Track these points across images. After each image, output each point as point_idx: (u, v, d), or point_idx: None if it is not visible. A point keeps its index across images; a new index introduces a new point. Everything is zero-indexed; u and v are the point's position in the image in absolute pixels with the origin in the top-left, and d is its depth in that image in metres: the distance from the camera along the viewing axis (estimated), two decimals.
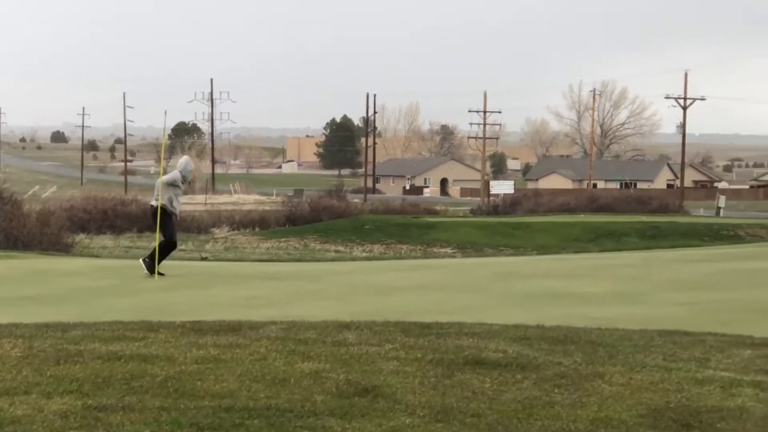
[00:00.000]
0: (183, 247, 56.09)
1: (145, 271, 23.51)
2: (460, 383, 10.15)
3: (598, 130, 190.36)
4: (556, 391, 9.94)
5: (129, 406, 9.14)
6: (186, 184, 25.38)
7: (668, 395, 9.83)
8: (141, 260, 24.59)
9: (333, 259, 44.20)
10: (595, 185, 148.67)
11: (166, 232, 24.42)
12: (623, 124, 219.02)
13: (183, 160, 25.06)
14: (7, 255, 31.30)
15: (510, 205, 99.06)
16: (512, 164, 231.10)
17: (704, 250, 35.66)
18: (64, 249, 42.34)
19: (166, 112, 30.54)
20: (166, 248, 24.55)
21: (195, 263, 33.11)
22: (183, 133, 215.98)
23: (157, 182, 24.39)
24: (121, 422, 8.67)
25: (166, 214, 24.13)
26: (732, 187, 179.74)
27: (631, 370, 10.78)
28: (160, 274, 23.60)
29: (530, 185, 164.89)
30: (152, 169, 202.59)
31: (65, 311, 16.71)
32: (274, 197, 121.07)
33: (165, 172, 24.77)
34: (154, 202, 24.34)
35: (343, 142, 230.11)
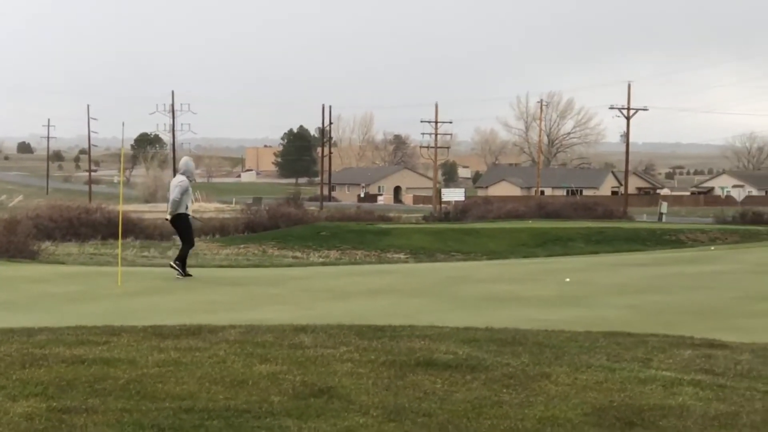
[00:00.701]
0: (145, 253, 56.00)
1: (177, 275, 24.27)
2: (412, 384, 10.16)
3: (545, 140, 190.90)
4: (505, 391, 9.96)
5: (92, 408, 9.12)
6: (193, 181, 25.46)
7: (612, 394, 9.87)
8: (170, 264, 25.44)
9: (290, 265, 44.12)
10: (542, 192, 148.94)
11: (186, 234, 25.21)
12: (569, 133, 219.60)
13: (184, 162, 25.70)
14: None
15: (461, 212, 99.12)
16: (463, 172, 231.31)
17: (647, 255, 35.83)
18: (30, 256, 42.14)
19: (123, 123, 31.12)
20: (188, 248, 25.20)
21: (158, 269, 33.00)
22: (146, 143, 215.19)
23: (175, 188, 24.70)
24: (85, 424, 8.65)
25: (184, 217, 24.82)
26: (674, 193, 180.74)
27: (577, 370, 10.82)
28: (188, 275, 24.55)
29: (480, 193, 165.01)
30: (115, 179, 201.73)
31: (31, 317, 16.65)
32: (233, 205, 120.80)
33: (126, 182, 25.03)
34: (168, 216, 24.96)
35: (300, 151, 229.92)
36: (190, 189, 24.99)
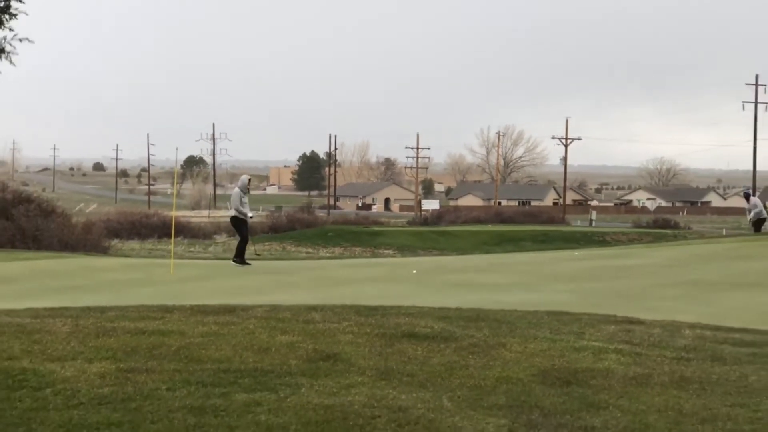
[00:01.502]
0: (191, 249, 55.88)
1: (238, 266, 24.96)
2: (398, 351, 10.15)
3: (501, 162, 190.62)
4: (470, 356, 9.95)
5: (151, 369, 9.10)
6: (248, 194, 25.84)
7: (553, 360, 9.87)
8: (231, 261, 25.97)
9: (304, 258, 44.11)
10: (499, 203, 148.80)
11: (240, 232, 25.67)
12: (520, 157, 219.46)
13: (240, 179, 26.11)
14: (60, 255, 31.05)
15: (436, 217, 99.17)
16: (438, 187, 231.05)
17: (581, 251, 35.79)
18: (102, 251, 42.13)
19: (177, 149, 31.39)
20: (243, 243, 25.63)
21: (201, 261, 32.92)
22: (192, 164, 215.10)
23: (233, 197, 25.62)
24: (145, 381, 8.64)
25: (240, 219, 25.43)
26: (601, 204, 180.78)
27: (526, 341, 10.81)
28: (247, 263, 25.24)
29: (451, 203, 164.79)
30: (169, 191, 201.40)
31: (103, 298, 16.64)
32: (260, 212, 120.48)
33: (177, 194, 25.14)
34: (232, 212, 25.76)
35: (312, 170, 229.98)
36: (245, 198, 25.45)
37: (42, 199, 46.69)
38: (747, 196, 38.64)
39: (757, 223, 37.03)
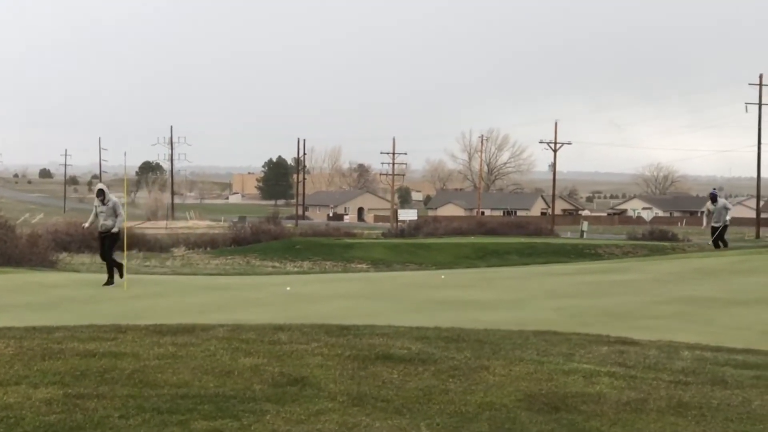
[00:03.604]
0: (147, 263, 55.70)
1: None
2: (372, 374, 10.16)
3: (485, 169, 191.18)
4: (451, 380, 9.97)
5: (102, 395, 9.08)
6: (104, 204, 24.30)
7: (540, 383, 9.89)
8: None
9: (270, 273, 44.05)
10: (483, 213, 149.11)
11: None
12: (505, 163, 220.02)
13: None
14: (2, 270, 30.94)
15: (414, 229, 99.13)
16: (416, 196, 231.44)
17: (571, 265, 35.90)
18: (49, 265, 41.92)
19: (126, 153, 31.19)
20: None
21: (158, 276, 32.82)
22: (148, 170, 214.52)
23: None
24: (96, 408, 8.62)
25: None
26: (593, 214, 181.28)
27: (511, 363, 10.84)
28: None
29: (430, 213, 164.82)
30: (121, 200, 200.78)
31: (50, 316, 16.58)
32: (222, 223, 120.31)
33: (131, 203, 25.18)
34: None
35: (278, 177, 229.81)
36: (99, 208, 24.31)
37: None
38: (713, 197, 35.76)
39: (720, 232, 35.49)
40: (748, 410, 9.10)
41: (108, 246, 24.54)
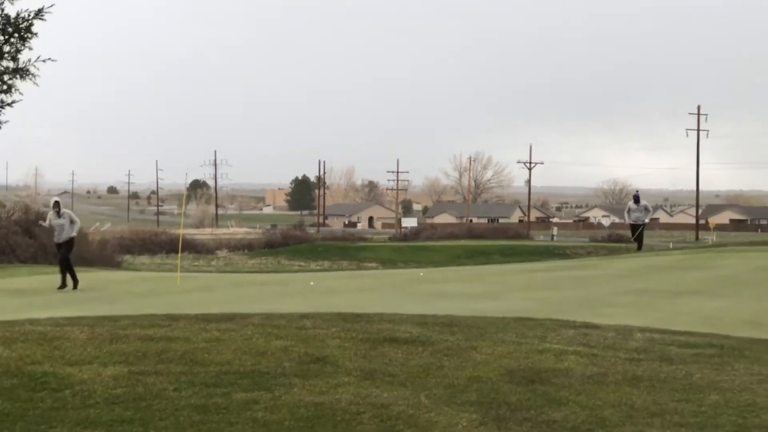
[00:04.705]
0: (196, 263, 55.77)
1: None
2: (380, 354, 10.15)
3: (472, 184, 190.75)
4: (445, 358, 9.96)
5: (159, 371, 9.08)
6: (61, 216, 21.86)
7: (519, 361, 9.88)
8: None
9: (296, 271, 44.04)
10: (471, 221, 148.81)
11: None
12: (489, 179, 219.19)
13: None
14: (77, 270, 30.93)
15: (414, 234, 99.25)
16: (416, 206, 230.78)
17: (544, 263, 35.81)
18: (115, 265, 42.06)
19: (186, 174, 30.76)
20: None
21: (205, 274, 32.82)
22: (196, 187, 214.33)
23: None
24: (154, 382, 8.62)
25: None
26: (562, 221, 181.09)
27: (495, 344, 10.82)
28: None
29: (428, 221, 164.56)
30: (176, 211, 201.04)
31: (116, 307, 16.59)
32: (257, 230, 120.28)
33: (184, 215, 24.66)
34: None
35: (303, 192, 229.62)
36: (55, 220, 21.94)
37: None
38: (636, 198, 33.20)
39: (640, 231, 33.11)
40: (690, 382, 9.09)
41: (64, 251, 21.98)
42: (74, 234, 22.31)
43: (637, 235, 33.36)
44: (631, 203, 33.46)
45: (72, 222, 22.03)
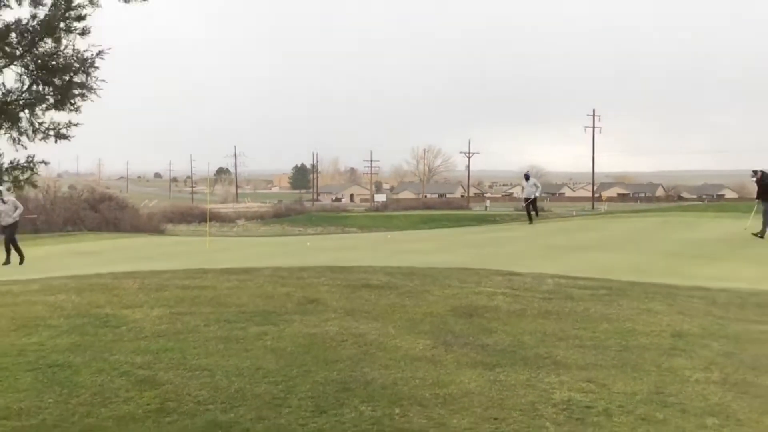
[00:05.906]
0: (221, 229, 55.41)
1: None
2: (359, 296, 10.15)
3: (426, 169, 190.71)
4: (407, 299, 9.97)
5: (193, 312, 9.05)
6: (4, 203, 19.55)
7: (461, 300, 9.91)
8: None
9: (297, 235, 43.94)
10: (425, 196, 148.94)
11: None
12: (439, 165, 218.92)
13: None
14: (130, 235, 30.75)
15: (384, 206, 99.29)
16: (385, 186, 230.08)
17: (479, 227, 35.91)
18: (160, 232, 41.79)
19: (208, 163, 30.45)
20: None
21: (227, 238, 32.67)
22: (221, 173, 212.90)
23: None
24: (189, 320, 8.60)
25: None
26: (492, 196, 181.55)
27: (443, 288, 10.84)
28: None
29: (394, 197, 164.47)
30: (205, 191, 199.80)
31: (160, 264, 16.49)
32: (267, 204, 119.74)
33: (211, 193, 24.43)
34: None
35: (301, 176, 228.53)
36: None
37: (119, 198, 46.36)
38: (527, 177, 30.44)
39: (532, 202, 29.95)
40: (587, 314, 9.15)
41: (9, 233, 19.56)
42: (17, 218, 19.69)
43: (527, 205, 30.27)
44: (522, 181, 31.06)
45: (16, 207, 19.60)
